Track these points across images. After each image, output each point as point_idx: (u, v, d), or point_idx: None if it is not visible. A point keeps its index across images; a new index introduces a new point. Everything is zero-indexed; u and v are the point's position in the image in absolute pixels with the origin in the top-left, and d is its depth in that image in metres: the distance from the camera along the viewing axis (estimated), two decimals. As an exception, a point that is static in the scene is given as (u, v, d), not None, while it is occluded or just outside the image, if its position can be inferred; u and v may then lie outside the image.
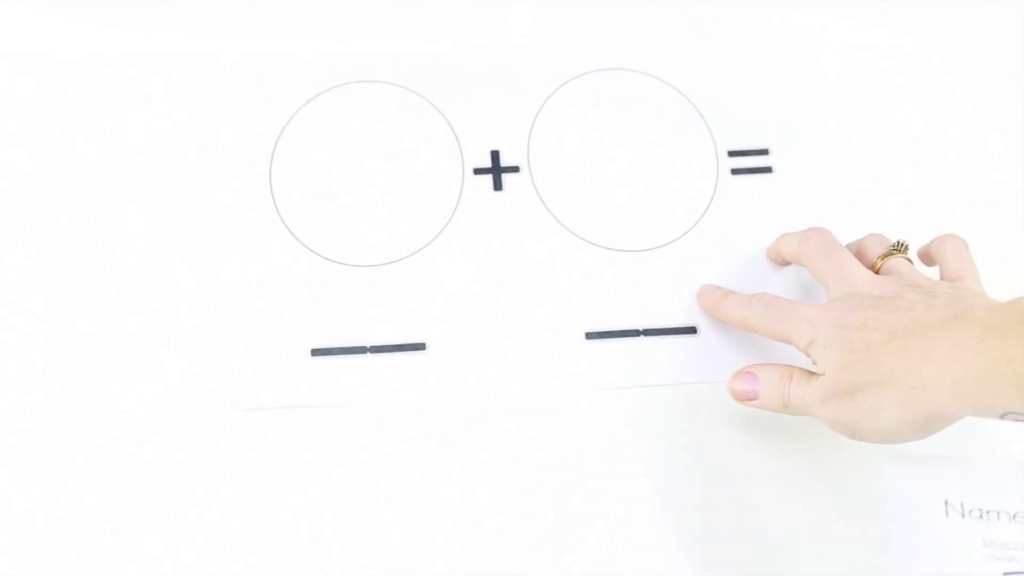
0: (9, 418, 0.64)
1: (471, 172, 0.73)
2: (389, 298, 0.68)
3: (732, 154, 0.74)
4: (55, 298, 0.68)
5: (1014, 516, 0.60)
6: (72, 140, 0.72)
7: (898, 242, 0.63)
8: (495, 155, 0.73)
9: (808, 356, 0.59)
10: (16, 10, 0.77)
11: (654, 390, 0.66)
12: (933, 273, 0.63)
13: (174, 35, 0.76)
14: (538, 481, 0.64)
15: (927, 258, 0.65)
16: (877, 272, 0.62)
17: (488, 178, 0.73)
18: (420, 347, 0.67)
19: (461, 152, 0.73)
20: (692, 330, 0.68)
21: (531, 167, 0.73)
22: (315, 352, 0.67)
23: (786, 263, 0.69)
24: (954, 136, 0.75)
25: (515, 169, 0.73)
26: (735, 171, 0.73)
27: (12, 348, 0.66)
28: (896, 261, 0.62)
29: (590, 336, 0.68)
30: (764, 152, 0.74)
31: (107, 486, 0.63)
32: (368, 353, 0.67)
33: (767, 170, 0.73)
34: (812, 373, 0.59)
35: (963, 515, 0.61)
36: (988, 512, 0.61)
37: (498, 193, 0.72)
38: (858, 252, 0.64)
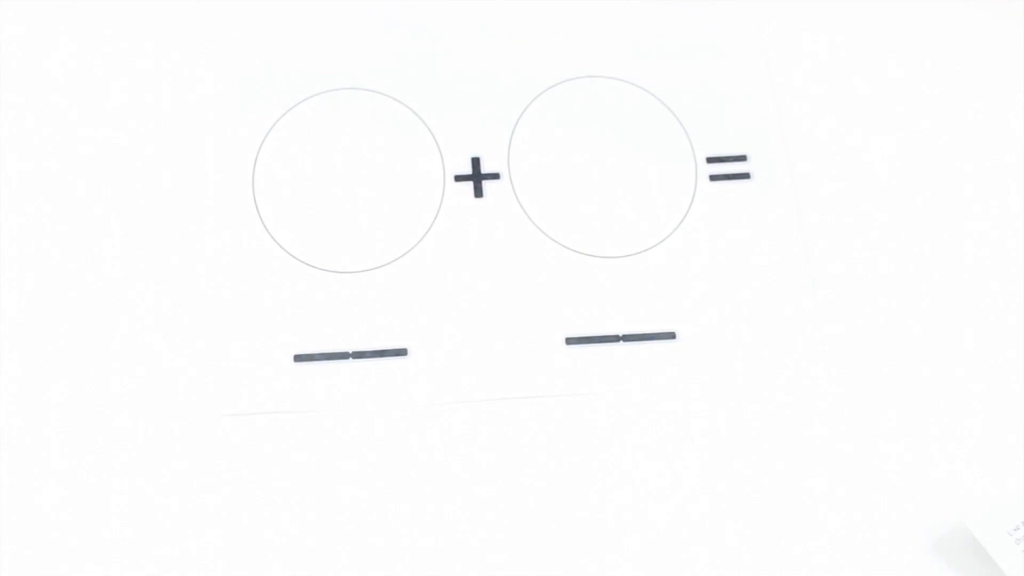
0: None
1: (452, 179, 0.73)
2: (371, 304, 0.69)
3: (711, 160, 0.75)
4: (36, 303, 0.68)
5: None
6: (53, 147, 0.72)
7: None
8: (476, 162, 0.74)
9: None
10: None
11: (634, 395, 0.67)
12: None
13: (154, 43, 0.76)
14: (520, 486, 0.64)
15: None
16: None
17: (469, 185, 0.73)
18: (402, 352, 0.68)
19: (442, 159, 0.74)
20: (671, 335, 0.69)
21: (511, 174, 0.74)
22: (298, 358, 0.67)
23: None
24: (937, 141, 0.75)
25: (496, 176, 0.74)
26: (713, 177, 0.74)
27: (-5, 355, 0.67)
28: None
29: (570, 341, 0.68)
30: (742, 158, 0.75)
31: (89, 491, 0.63)
32: (350, 359, 0.67)
33: (745, 176, 0.74)
34: None
35: None
36: None
37: (479, 200, 0.73)
38: None
